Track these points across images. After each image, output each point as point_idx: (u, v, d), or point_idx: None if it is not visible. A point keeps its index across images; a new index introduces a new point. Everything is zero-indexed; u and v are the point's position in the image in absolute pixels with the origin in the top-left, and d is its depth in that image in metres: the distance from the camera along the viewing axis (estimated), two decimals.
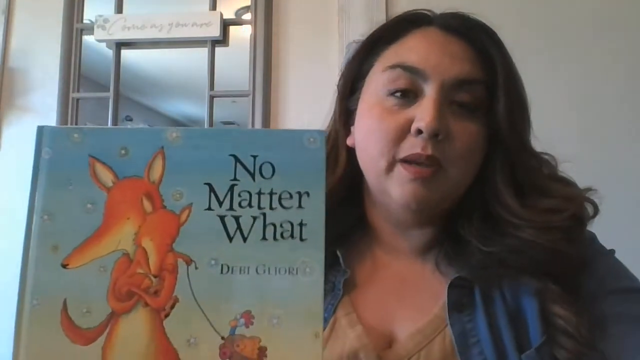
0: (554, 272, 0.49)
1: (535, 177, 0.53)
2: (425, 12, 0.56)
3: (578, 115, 1.27)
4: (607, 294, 0.49)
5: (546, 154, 0.56)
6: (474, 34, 0.53)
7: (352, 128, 0.57)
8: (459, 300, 0.51)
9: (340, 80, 0.59)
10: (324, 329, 0.52)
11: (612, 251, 0.54)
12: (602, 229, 0.55)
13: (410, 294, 0.54)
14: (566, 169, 0.56)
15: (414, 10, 0.57)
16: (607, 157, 1.22)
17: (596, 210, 0.53)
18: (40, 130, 0.36)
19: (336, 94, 0.59)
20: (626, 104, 1.26)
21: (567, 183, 0.55)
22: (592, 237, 0.55)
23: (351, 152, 0.57)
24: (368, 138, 0.52)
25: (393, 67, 0.52)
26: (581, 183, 0.55)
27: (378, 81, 0.53)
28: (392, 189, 0.51)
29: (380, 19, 1.23)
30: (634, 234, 1.11)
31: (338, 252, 0.55)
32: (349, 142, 0.57)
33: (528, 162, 0.53)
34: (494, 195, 0.51)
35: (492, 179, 0.52)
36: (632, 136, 1.25)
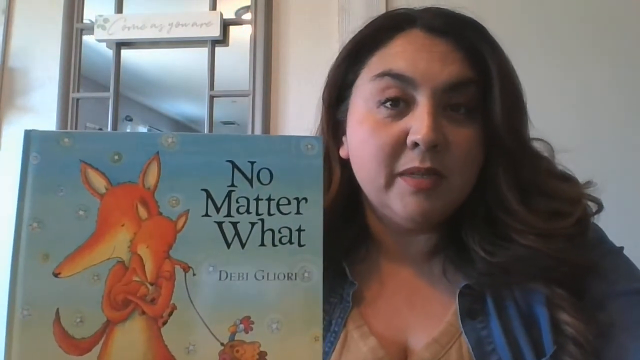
0: (561, 277, 0.48)
1: (536, 177, 0.51)
2: (406, 11, 0.53)
3: (574, 113, 1.26)
4: (616, 295, 0.48)
5: (540, 139, 0.54)
6: (461, 32, 0.50)
7: (343, 139, 0.56)
8: (471, 307, 0.50)
9: (324, 91, 0.57)
10: (335, 343, 0.51)
11: (621, 249, 0.53)
12: (601, 225, 0.54)
13: (421, 301, 0.53)
14: (563, 161, 0.55)
15: (394, 11, 0.54)
16: (604, 155, 1.21)
17: (600, 207, 0.52)
18: (28, 134, 0.34)
19: (321, 105, 0.57)
20: (622, 103, 1.26)
21: (567, 178, 0.54)
22: (601, 236, 0.54)
23: (344, 162, 0.55)
24: (363, 154, 0.51)
25: (381, 75, 0.50)
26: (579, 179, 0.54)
27: (366, 91, 0.51)
28: (393, 203, 0.50)
29: None
30: (632, 231, 1.10)
31: (344, 265, 0.54)
32: (341, 153, 0.56)
33: (529, 161, 0.51)
34: (498, 200, 0.50)
35: (496, 184, 0.50)
36: (630, 136, 1.25)
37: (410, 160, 0.48)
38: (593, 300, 0.48)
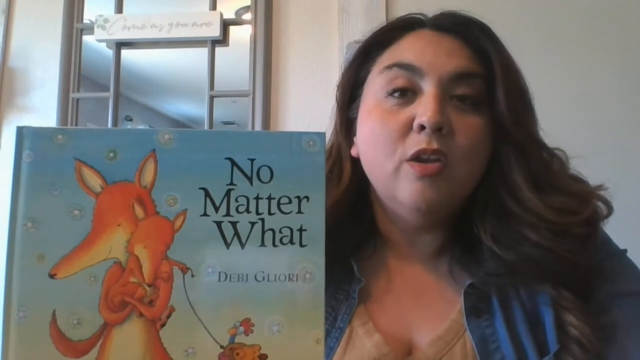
0: (569, 280, 0.48)
1: (548, 172, 0.52)
2: (418, 15, 0.56)
3: (577, 113, 1.26)
4: (618, 297, 0.49)
5: (557, 149, 0.55)
6: (467, 31, 0.52)
7: (354, 139, 0.57)
8: (475, 305, 0.50)
9: (337, 90, 0.58)
10: (340, 339, 0.52)
11: (625, 251, 0.53)
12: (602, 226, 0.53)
13: (427, 299, 0.54)
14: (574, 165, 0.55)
15: (407, 15, 0.56)
16: (604, 155, 1.20)
17: (610, 210, 0.52)
18: (20, 131, 0.33)
19: (335, 106, 0.59)
20: (624, 102, 1.26)
21: (580, 180, 0.54)
22: (606, 239, 0.54)
23: (355, 163, 0.56)
24: (372, 142, 0.52)
25: (389, 67, 0.52)
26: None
27: (376, 84, 0.53)
28: (400, 190, 0.50)
29: (380, 18, 1.23)
30: (633, 232, 1.10)
31: (352, 261, 0.55)
32: (353, 152, 0.56)
33: (539, 154, 0.52)
34: (511, 191, 0.50)
35: (508, 175, 0.51)
36: (630, 136, 1.25)
37: (417, 143, 0.48)
38: (597, 302, 0.49)
